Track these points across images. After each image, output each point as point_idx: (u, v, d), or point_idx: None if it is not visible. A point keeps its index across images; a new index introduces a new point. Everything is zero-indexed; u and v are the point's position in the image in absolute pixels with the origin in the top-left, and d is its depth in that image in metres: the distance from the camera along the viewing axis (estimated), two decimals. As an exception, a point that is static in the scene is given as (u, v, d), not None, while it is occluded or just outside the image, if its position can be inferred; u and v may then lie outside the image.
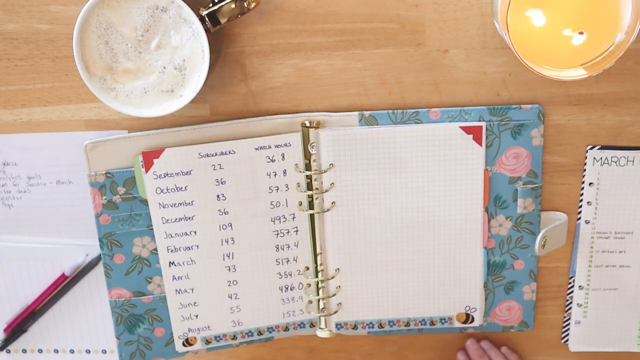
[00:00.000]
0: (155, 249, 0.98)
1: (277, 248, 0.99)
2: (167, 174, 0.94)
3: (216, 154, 0.94)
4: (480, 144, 0.95)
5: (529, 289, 1.02)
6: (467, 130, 0.94)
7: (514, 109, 0.94)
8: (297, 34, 0.92)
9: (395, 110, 0.94)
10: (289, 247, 0.99)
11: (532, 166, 0.96)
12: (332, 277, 1.01)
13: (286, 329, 1.03)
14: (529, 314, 1.03)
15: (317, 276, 1.01)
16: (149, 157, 0.94)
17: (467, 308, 1.02)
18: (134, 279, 0.99)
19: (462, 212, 0.98)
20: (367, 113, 0.94)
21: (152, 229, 0.97)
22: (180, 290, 1.00)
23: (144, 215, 0.97)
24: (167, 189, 0.95)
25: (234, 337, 1.03)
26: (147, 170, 0.94)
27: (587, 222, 0.99)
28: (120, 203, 0.96)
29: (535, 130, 0.94)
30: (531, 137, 0.95)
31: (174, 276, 0.99)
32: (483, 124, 0.94)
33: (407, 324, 1.03)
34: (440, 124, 0.94)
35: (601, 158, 0.96)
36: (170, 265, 0.98)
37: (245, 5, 0.86)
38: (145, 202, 0.96)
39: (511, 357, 1.04)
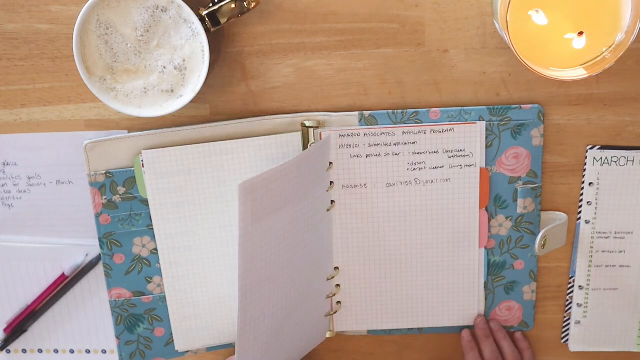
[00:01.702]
0: (155, 249, 0.98)
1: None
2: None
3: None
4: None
5: (529, 289, 1.02)
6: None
7: (514, 109, 0.94)
8: (297, 34, 0.92)
9: (395, 110, 0.94)
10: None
11: (532, 166, 0.96)
12: (332, 277, 1.01)
13: (286, 328, 1.04)
14: (529, 314, 1.03)
15: (317, 276, 1.01)
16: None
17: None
18: (133, 279, 1.00)
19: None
20: (367, 113, 0.94)
21: (152, 228, 0.97)
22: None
23: (144, 215, 0.97)
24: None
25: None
26: (147, 170, 0.94)
27: (587, 222, 0.99)
28: (120, 203, 0.96)
29: (535, 130, 0.94)
30: (531, 137, 0.95)
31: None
32: (482, 122, 0.94)
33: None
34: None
35: (601, 158, 0.96)
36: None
37: (245, 5, 0.86)
38: (145, 202, 0.96)
39: (522, 344, 1.04)
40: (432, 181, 0.97)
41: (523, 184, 0.97)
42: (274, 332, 0.95)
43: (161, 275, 0.99)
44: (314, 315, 1.01)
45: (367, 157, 0.96)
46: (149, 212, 0.97)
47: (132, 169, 0.95)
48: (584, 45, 0.82)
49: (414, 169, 0.96)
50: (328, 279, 1.01)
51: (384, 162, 0.96)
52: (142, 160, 0.94)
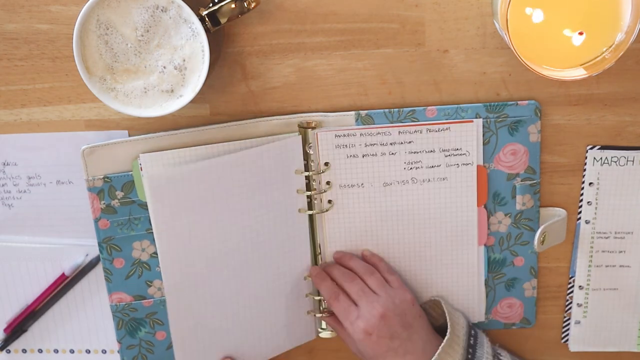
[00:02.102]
0: (155, 253, 0.98)
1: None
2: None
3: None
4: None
5: (529, 286, 1.02)
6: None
7: (510, 106, 0.94)
8: (297, 34, 0.92)
9: (392, 109, 0.94)
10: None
11: (530, 162, 0.96)
12: (309, 276, 1.01)
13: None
14: (531, 311, 1.03)
15: (317, 276, 1.01)
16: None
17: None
18: (134, 283, 0.99)
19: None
20: (363, 112, 0.95)
21: (151, 232, 0.97)
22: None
23: (142, 219, 0.97)
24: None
25: (234, 338, 1.03)
26: (145, 174, 0.94)
27: (587, 222, 0.99)
28: (119, 207, 0.96)
29: (532, 127, 0.94)
30: (528, 133, 0.95)
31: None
32: (479, 120, 0.94)
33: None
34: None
35: (601, 158, 0.96)
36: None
37: (245, 5, 0.86)
38: (143, 206, 0.96)
39: (372, 259, 0.99)
40: (429, 180, 0.97)
41: (521, 181, 0.97)
42: (224, 328, 1.00)
43: (161, 279, 0.99)
44: (291, 313, 1.02)
45: (363, 156, 0.96)
46: (148, 216, 0.96)
47: (130, 173, 0.95)
48: (582, 42, 0.82)
49: (411, 168, 0.96)
50: (305, 278, 1.01)
51: (381, 161, 0.96)
52: (140, 164, 0.94)
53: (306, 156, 0.96)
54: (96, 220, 0.97)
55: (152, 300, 1.00)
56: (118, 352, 1.03)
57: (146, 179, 0.94)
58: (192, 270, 0.98)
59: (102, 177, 0.95)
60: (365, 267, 0.98)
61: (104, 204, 0.96)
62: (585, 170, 0.97)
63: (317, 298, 1.02)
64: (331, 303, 0.96)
